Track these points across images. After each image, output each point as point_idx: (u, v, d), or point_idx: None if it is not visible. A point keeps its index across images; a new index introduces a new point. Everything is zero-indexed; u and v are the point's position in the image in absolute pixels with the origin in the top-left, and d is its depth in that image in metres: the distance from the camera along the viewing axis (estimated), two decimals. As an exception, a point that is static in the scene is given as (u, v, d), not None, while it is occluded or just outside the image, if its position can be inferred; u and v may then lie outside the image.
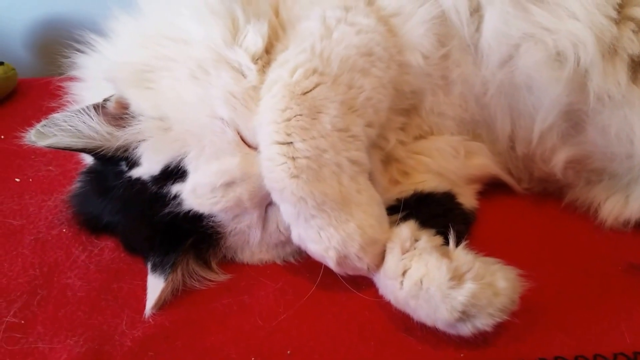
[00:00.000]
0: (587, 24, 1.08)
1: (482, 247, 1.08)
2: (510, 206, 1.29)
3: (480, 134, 1.27)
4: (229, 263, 1.18)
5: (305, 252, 1.07)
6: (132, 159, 1.09)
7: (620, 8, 1.10)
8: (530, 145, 1.22)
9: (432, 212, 1.16)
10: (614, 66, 1.09)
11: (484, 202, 1.30)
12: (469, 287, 0.95)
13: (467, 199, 1.26)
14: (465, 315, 0.95)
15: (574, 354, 0.96)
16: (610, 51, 1.09)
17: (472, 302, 0.94)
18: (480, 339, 0.97)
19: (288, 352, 1.01)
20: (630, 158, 1.15)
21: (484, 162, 1.27)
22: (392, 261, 1.02)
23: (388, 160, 1.24)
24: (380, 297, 1.05)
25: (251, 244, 1.15)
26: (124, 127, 1.08)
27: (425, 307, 0.97)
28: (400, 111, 1.22)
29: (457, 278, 0.96)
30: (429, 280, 0.97)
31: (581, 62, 1.08)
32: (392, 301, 1.03)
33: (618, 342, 0.98)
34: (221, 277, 1.16)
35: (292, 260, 1.18)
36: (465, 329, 0.96)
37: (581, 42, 1.08)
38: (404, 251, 1.03)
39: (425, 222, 1.10)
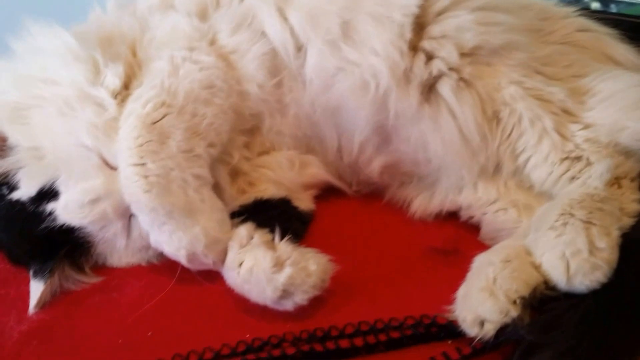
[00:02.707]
0: (384, 58, 1.28)
1: (318, 240, 1.28)
2: (343, 206, 1.49)
3: (314, 147, 1.46)
4: (100, 267, 1.33)
5: (164, 254, 1.23)
6: (12, 184, 1.25)
7: (416, 40, 1.30)
8: (352, 155, 1.42)
9: (269, 215, 1.32)
10: (407, 91, 1.29)
11: (323, 203, 1.48)
12: (287, 271, 1.13)
13: (304, 202, 1.44)
14: (286, 293, 1.13)
15: (374, 318, 1.13)
16: (403, 79, 1.29)
17: (290, 282, 1.12)
18: (302, 313, 1.15)
19: (149, 333, 1.16)
20: (429, 162, 1.36)
21: (316, 171, 1.46)
22: (232, 255, 1.19)
23: (236, 173, 1.40)
24: (226, 286, 1.20)
25: (118, 249, 1.30)
26: (4, 157, 1.25)
27: (256, 289, 1.15)
28: (243, 131, 1.40)
29: (279, 265, 1.14)
30: (257, 268, 1.14)
31: (380, 89, 1.29)
32: (234, 288, 1.19)
33: (412, 309, 1.14)
34: (93, 279, 1.30)
35: (154, 261, 1.32)
36: (288, 305, 1.14)
37: (378, 74, 1.28)
38: (241, 247, 1.19)
39: (263, 223, 1.25)
